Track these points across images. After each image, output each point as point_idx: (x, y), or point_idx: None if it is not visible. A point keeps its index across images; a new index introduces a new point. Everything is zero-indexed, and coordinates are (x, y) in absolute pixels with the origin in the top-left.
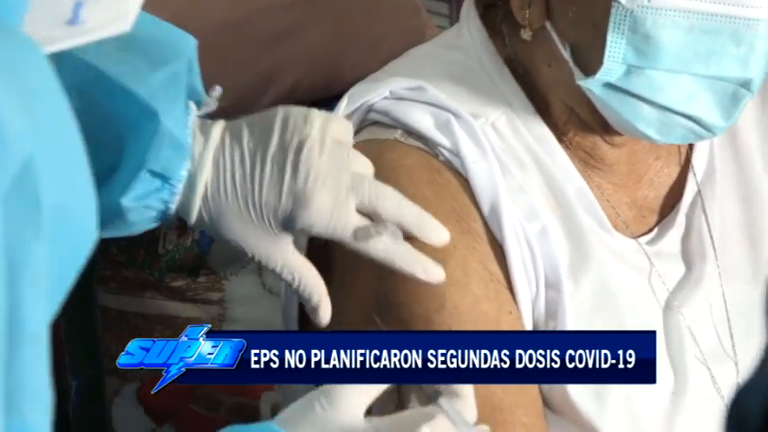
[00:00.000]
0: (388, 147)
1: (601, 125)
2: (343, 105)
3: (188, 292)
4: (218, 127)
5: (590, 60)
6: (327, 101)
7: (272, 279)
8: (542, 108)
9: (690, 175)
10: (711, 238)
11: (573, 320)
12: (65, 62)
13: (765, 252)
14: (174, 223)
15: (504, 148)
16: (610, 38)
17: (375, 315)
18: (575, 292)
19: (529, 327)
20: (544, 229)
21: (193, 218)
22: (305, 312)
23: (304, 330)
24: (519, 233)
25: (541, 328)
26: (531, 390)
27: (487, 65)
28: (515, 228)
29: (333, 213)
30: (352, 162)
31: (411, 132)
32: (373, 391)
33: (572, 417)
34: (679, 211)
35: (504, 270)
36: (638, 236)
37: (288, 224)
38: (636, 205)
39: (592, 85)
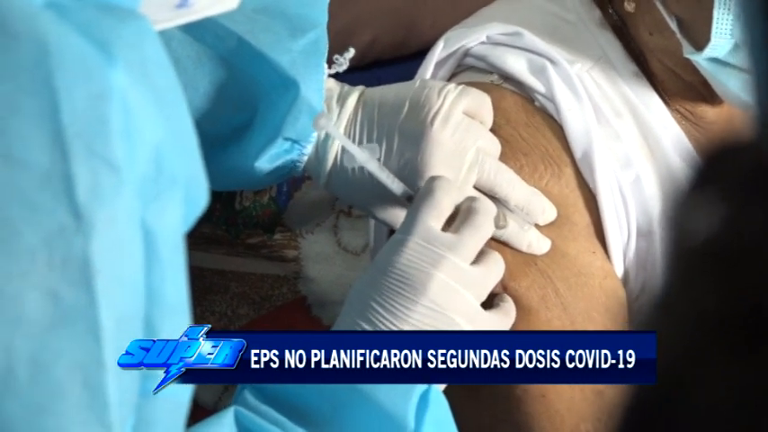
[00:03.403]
0: (485, 89)
1: (705, 87)
2: (439, 49)
3: (263, 249)
4: (354, 96)
5: (697, 33)
6: (407, 58)
7: (347, 237)
8: (642, 64)
9: None
10: None
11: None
12: (207, 28)
13: None
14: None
15: (600, 96)
16: (716, 14)
17: None
18: None
19: (620, 272)
20: (638, 178)
21: (322, 184)
22: None
23: None
24: (612, 180)
25: (632, 277)
26: None
27: (584, 17)
28: (608, 175)
29: None
30: (481, 138)
31: (507, 77)
32: None
33: None
34: None
35: (592, 215)
36: None
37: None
38: None
39: (699, 59)
